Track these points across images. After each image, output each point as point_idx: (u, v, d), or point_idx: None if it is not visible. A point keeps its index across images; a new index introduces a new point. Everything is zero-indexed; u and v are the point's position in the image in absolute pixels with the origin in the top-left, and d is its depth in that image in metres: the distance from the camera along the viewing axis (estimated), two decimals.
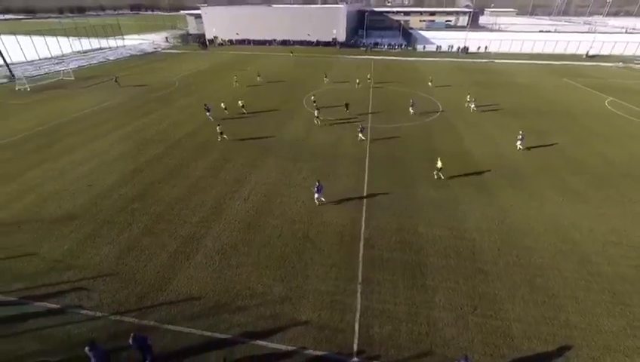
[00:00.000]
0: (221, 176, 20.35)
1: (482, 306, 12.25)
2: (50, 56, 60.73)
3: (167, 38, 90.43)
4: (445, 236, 15.38)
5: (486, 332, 11.39)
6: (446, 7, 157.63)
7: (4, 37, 61.56)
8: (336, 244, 14.82)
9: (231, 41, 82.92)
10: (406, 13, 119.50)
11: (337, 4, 76.74)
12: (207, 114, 30.00)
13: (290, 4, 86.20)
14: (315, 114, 28.68)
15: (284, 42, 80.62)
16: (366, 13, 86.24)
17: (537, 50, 68.79)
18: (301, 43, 79.54)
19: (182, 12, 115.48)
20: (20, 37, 65.00)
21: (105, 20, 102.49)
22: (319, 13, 77.94)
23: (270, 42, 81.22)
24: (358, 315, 11.82)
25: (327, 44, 77.91)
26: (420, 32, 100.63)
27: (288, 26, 78.84)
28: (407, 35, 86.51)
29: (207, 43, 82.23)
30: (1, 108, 33.04)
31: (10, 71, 45.22)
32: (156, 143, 24.83)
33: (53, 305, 11.71)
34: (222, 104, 31.12)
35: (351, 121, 29.03)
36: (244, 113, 30.91)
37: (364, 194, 18.30)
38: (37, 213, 16.66)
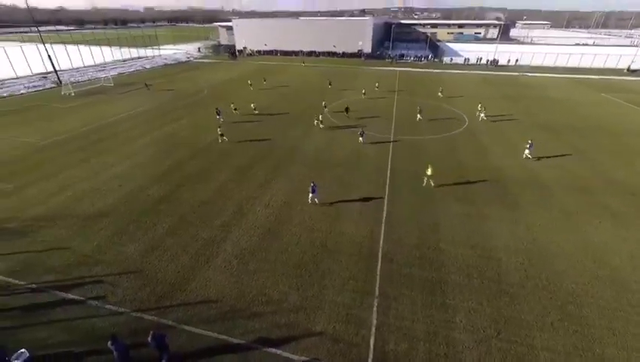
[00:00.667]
0: (244, 181, 20.76)
1: (507, 331, 11.53)
2: (93, 63, 65.36)
3: (199, 48, 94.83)
4: (468, 254, 14.74)
5: (510, 360, 10.67)
6: (475, 19, 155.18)
7: (55, 46, 67.22)
8: (354, 256, 14.59)
9: (259, 52, 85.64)
10: (433, 26, 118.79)
11: (364, 16, 77.24)
12: (218, 117, 31.78)
13: (317, 16, 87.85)
14: (318, 118, 29.83)
15: (311, 53, 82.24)
16: (393, 26, 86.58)
17: (573, 63, 65.84)
18: (327, 54, 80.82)
19: (214, 24, 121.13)
20: (68, 46, 70.57)
21: (144, 32, 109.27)
22: (345, 26, 79.16)
23: (297, 53, 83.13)
24: (373, 330, 11.48)
25: (352, 55, 78.71)
26: (448, 44, 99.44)
27: (315, 38, 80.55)
28: (434, 48, 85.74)
29: (237, 53, 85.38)
30: (49, 111, 35.77)
31: (58, 77, 49.00)
32: (184, 147, 25.81)
33: (81, 298, 12.25)
34: (232, 105, 32.08)
35: (374, 134, 28.80)
36: (255, 112, 33.13)
37: (385, 206, 17.99)
38: (72, 210, 17.67)
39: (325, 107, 33.35)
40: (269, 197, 19.00)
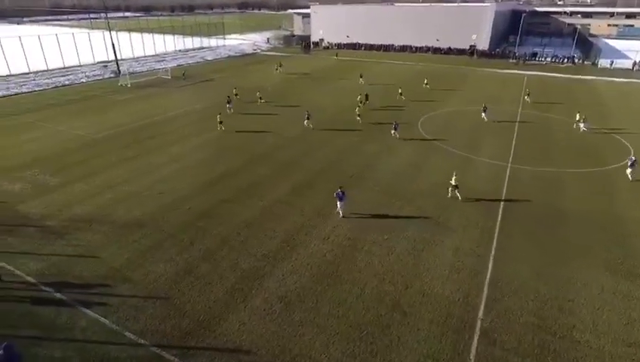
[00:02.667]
0: (301, 203, 21.38)
1: None
2: (154, 53, 76.28)
3: (268, 39, 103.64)
4: (623, 355, 12.48)
5: None
6: None
7: (120, 34, 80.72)
8: (437, 325, 13.57)
9: (338, 45, 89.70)
10: (586, 15, 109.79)
11: (483, 2, 75.78)
12: (228, 105, 37.05)
13: (419, 2, 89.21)
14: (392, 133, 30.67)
15: (405, 48, 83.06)
16: (523, 15, 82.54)
17: None
18: (427, 49, 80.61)
19: (289, 11, 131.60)
20: (133, 34, 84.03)
21: (210, 19, 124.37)
22: (456, 14, 78.44)
23: (387, 47, 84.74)
24: None
25: (460, 52, 77.07)
26: (608, 41, 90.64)
27: (412, 29, 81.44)
28: (585, 45, 78.82)
29: (312, 46, 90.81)
30: (104, 103, 42.57)
31: (118, 67, 58.29)
32: (236, 154, 27.90)
33: (102, 318, 13.69)
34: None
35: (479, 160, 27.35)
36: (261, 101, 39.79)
37: (490, 261, 16.58)
38: (108, 215, 20.26)
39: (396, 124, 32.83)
40: (330, 228, 19.12)
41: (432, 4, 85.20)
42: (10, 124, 35.10)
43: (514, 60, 69.83)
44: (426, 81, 48.65)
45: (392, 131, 30.69)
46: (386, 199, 21.83)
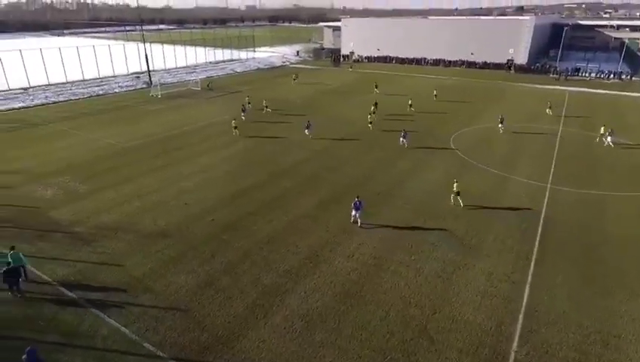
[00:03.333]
0: (326, 218, 21.46)
1: None
2: (185, 65, 79.44)
3: (297, 51, 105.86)
4: None
5: None
6: None
7: (153, 46, 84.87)
8: (467, 355, 13.11)
9: (369, 58, 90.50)
10: (634, 29, 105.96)
11: (521, 15, 74.69)
12: (242, 113, 40.20)
13: (454, 15, 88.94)
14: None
15: (438, 62, 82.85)
16: (565, 28, 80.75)
17: None
18: (462, 64, 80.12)
19: (320, 24, 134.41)
20: (165, 46, 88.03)
21: (241, 32, 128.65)
22: (493, 27, 77.94)
23: (419, 61, 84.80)
24: None
25: (497, 66, 76.15)
26: None
27: (446, 42, 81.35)
28: (633, 60, 75.96)
29: (341, 59, 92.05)
30: (136, 113, 44.56)
31: (150, 77, 61.01)
32: (262, 167, 28.40)
33: (122, 327, 14.09)
34: (247, 98, 37.17)
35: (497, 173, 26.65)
36: (266, 109, 42.75)
37: (526, 290, 15.96)
38: (134, 223, 21.00)
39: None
40: (355, 246, 19.03)
41: (468, 17, 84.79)
42: (46, 131, 37.25)
43: (555, 75, 68.14)
44: (448, 98, 48.09)
45: (401, 139, 32.17)
46: (415, 217, 21.56)
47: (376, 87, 54.38)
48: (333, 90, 57.76)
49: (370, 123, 37.29)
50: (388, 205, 23.00)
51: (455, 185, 22.44)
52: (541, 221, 21.28)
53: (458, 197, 22.40)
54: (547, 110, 43.09)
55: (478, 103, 48.56)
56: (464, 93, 55.17)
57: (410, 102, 44.30)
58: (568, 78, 66.59)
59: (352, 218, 20.72)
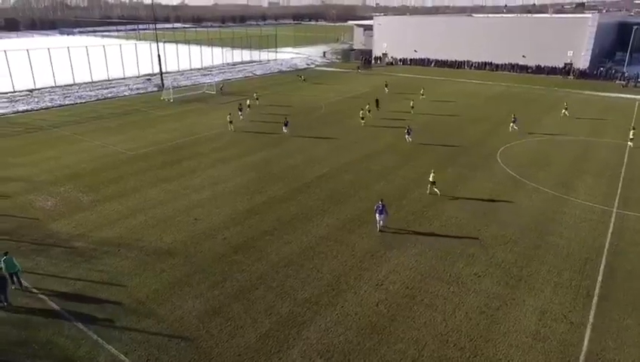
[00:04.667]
0: (351, 242, 21.31)
1: None
2: (200, 66, 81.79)
3: (324, 53, 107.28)
4: None
5: None
6: None
7: (167, 45, 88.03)
8: None
9: (403, 61, 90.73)
10: None
11: (582, 12, 73.58)
12: (240, 113, 44.23)
13: (502, 13, 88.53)
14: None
15: (483, 65, 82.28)
16: (635, 28, 78.66)
17: None
18: (510, 67, 79.23)
19: (349, 22, 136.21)
20: (180, 45, 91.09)
21: (262, 31, 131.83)
22: (548, 27, 77.08)
23: (461, 64, 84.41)
24: None
25: (552, 71, 74.89)
26: None
27: (493, 44, 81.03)
28: None
29: (372, 61, 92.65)
30: (145, 118, 46.08)
31: (162, 80, 63.09)
32: (281, 182, 28.65)
33: (122, 356, 14.25)
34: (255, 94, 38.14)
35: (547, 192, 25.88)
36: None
37: (586, 334, 15.28)
38: (139, 240, 21.46)
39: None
40: (385, 273, 18.78)
41: (519, 15, 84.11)
42: (50, 137, 38.93)
43: (622, 82, 66.36)
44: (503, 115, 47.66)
45: (406, 136, 36.69)
46: (456, 243, 21.17)
47: (386, 86, 59.58)
48: (363, 94, 57.99)
49: (362, 118, 42.43)
50: (423, 227, 22.69)
51: (432, 175, 26.03)
52: (605, 251, 20.48)
53: (435, 188, 25.93)
54: (563, 111, 46.18)
55: (530, 113, 47.83)
56: (514, 101, 54.37)
57: (412, 104, 48.32)
58: (638, 84, 64.78)
59: (378, 225, 21.88)
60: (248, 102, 48.57)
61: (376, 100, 48.19)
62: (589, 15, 73.14)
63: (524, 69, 78.24)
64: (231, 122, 40.20)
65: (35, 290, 17.48)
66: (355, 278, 18.43)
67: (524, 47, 77.70)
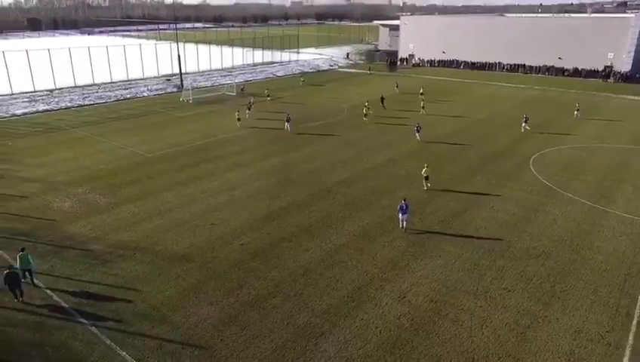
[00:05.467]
0: (372, 251, 21.20)
1: None
2: (220, 67, 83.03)
3: (348, 54, 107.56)
4: None
5: None
6: None
7: (187, 45, 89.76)
8: None
9: (431, 62, 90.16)
10: None
11: (623, 12, 71.90)
12: (247, 112, 46.18)
13: (537, 12, 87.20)
14: None
15: (515, 67, 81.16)
16: None
17: None
18: (546, 70, 78.00)
19: (375, 22, 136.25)
20: (200, 46, 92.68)
21: (285, 30, 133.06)
22: (587, 27, 75.75)
23: (492, 66, 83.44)
24: None
25: (591, 74, 73.31)
26: None
27: (527, 45, 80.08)
28: None
29: (398, 63, 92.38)
30: (163, 119, 47.05)
31: (182, 81, 64.26)
32: (300, 187, 28.75)
33: None
34: (266, 90, 37.45)
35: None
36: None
37: (627, 355, 14.81)
38: (154, 243, 21.82)
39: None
40: (408, 285, 18.59)
41: (555, 14, 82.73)
42: (69, 137, 40.08)
43: None
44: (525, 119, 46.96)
45: (416, 134, 38.65)
46: (484, 255, 20.83)
47: (397, 87, 62.68)
48: (388, 97, 57.84)
49: (365, 115, 45.12)
50: (451, 238, 22.39)
51: (424, 169, 27.95)
52: None
53: (427, 183, 28.07)
54: (575, 113, 47.04)
55: (567, 118, 47.02)
56: (549, 105, 53.42)
57: (422, 104, 49.79)
58: None
59: (401, 223, 22.76)
60: (267, 91, 51.91)
61: (382, 98, 50.99)
62: (632, 15, 71.28)
63: (560, 71, 77.00)
64: (239, 119, 43.19)
65: (49, 292, 17.95)
66: (377, 289, 18.29)
67: (561, 48, 76.32)
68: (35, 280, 18.25)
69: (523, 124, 41.21)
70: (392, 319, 16.57)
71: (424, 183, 28.10)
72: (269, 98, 55.04)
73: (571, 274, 19.39)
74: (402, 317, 16.64)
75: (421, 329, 16.02)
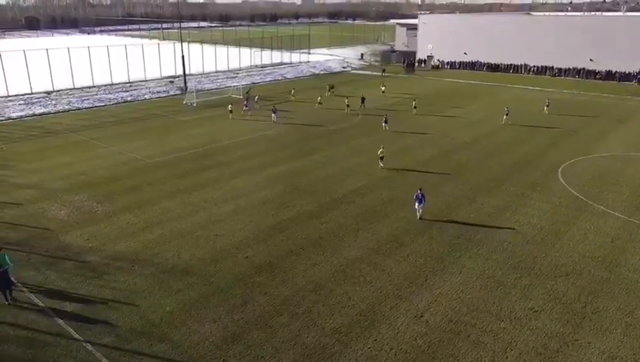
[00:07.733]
0: (387, 266, 21.09)
1: None
2: (227, 69, 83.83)
3: (362, 55, 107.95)
4: None
5: None
6: None
7: (192, 45, 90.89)
8: None
9: (451, 64, 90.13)
10: None
11: None
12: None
13: (567, 10, 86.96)
14: None
15: (542, 70, 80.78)
16: None
17: None
18: (577, 73, 77.75)
19: (391, 21, 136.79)
20: (205, 46, 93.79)
21: (295, 30, 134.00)
22: (621, 27, 75.39)
23: (517, 68, 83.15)
24: None
25: (625, 77, 72.72)
26: None
27: (555, 46, 79.72)
28: None
29: (416, 64, 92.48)
30: (166, 123, 47.63)
31: (185, 83, 64.98)
32: (309, 196, 28.78)
33: None
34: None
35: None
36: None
37: None
38: (154, 255, 21.95)
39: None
40: (425, 303, 18.44)
41: (586, 13, 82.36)
42: (66, 142, 40.68)
43: None
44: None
45: (383, 124, 42.66)
46: (508, 272, 20.62)
47: (383, 86, 64.76)
48: (405, 102, 57.82)
49: (358, 115, 48.28)
50: (471, 253, 22.21)
51: (380, 150, 32.21)
52: None
53: (381, 162, 31.92)
54: (544, 108, 50.92)
55: (599, 125, 46.70)
56: (579, 110, 52.95)
57: (414, 103, 51.97)
58: None
59: (418, 213, 25.13)
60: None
61: (362, 98, 53.15)
62: None
63: (591, 74, 76.53)
64: (231, 112, 48.26)
65: (42, 304, 18.11)
66: (391, 308, 18.16)
67: (592, 49, 75.78)
68: (13, 280, 18.65)
69: (504, 117, 46.27)
70: (407, 340, 16.41)
71: (379, 162, 32.34)
72: (293, 98, 59.09)
73: (604, 294, 19.10)
74: (419, 339, 16.48)
75: (439, 352, 15.85)
